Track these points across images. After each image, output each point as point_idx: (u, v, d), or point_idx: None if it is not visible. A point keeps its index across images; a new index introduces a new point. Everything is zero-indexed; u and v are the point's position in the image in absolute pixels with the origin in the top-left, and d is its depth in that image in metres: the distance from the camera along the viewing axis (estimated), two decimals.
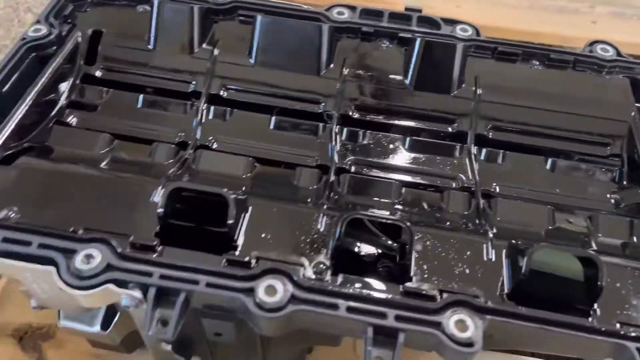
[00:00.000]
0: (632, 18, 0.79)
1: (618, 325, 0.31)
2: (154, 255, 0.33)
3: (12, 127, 0.40)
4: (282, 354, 0.42)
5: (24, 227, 0.33)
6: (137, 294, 0.31)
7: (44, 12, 0.46)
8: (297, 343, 0.41)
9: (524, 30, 0.78)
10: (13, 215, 0.34)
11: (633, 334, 0.30)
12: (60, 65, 0.44)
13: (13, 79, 0.41)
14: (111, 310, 0.41)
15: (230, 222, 0.33)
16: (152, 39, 0.46)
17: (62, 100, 0.43)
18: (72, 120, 0.42)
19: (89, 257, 0.32)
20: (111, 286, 0.31)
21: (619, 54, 0.46)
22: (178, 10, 0.45)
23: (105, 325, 0.41)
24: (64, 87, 0.44)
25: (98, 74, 0.45)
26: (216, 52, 0.45)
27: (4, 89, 0.40)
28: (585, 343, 0.31)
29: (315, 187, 0.39)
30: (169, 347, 0.40)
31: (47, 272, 0.32)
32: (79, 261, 0.31)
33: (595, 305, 0.32)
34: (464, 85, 0.44)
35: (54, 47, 0.44)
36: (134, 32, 0.46)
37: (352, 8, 0.48)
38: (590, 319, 0.31)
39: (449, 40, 0.44)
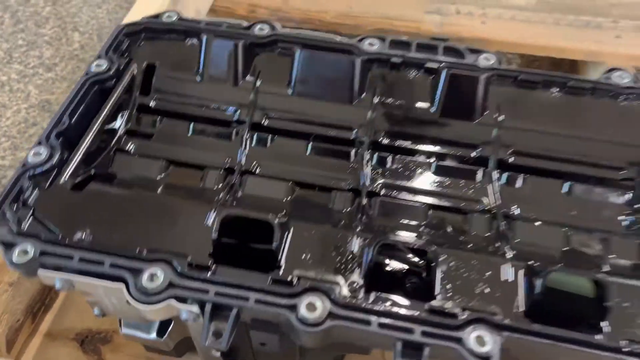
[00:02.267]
0: None
1: (624, 343, 0.34)
2: (209, 274, 0.37)
3: (81, 156, 0.45)
4: None
5: (97, 248, 0.38)
6: (195, 308, 0.36)
7: (103, 48, 0.51)
8: (331, 352, 0.45)
9: (549, 45, 0.81)
10: (86, 237, 0.39)
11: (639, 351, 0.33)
12: (119, 97, 0.49)
13: (80, 111, 0.46)
14: (166, 319, 0.45)
15: (275, 244, 0.37)
16: (200, 71, 0.50)
17: (121, 129, 0.48)
18: (130, 147, 0.47)
19: (153, 276, 0.36)
20: (173, 302, 0.36)
21: (635, 80, 0.48)
22: (223, 46, 0.49)
23: (160, 332, 0.46)
24: (123, 116, 0.49)
25: (152, 104, 0.50)
26: (258, 83, 0.50)
27: (73, 121, 0.46)
28: (593, 359, 0.34)
29: (348, 209, 0.43)
30: (218, 354, 0.45)
31: (117, 288, 0.37)
32: (145, 279, 0.36)
33: (606, 323, 0.35)
34: (486, 112, 0.47)
35: (114, 80, 0.49)
36: (183, 65, 0.51)
37: (382, 39, 0.51)
38: (599, 336, 0.34)
39: (472, 71, 0.47)
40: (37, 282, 0.54)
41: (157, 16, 0.54)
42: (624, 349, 0.33)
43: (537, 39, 0.81)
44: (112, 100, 0.48)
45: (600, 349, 0.33)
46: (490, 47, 0.81)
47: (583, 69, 0.83)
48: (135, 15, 0.70)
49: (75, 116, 0.46)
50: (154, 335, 0.45)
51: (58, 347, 0.53)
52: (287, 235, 0.40)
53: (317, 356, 0.45)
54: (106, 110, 0.48)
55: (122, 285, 0.36)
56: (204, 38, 0.50)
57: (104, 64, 0.49)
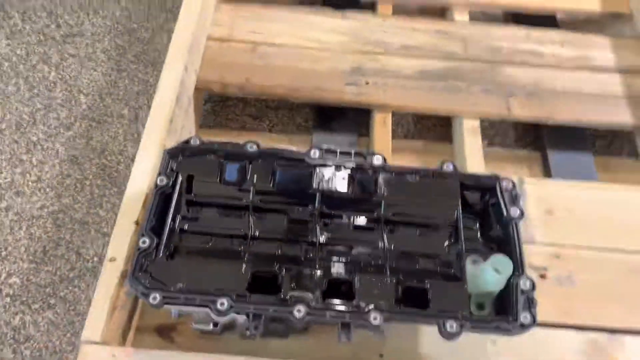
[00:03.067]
0: (494, 93, 1.23)
1: (441, 314, 0.77)
2: (247, 298, 0.77)
3: (165, 239, 0.83)
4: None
5: (191, 291, 0.77)
6: (244, 316, 0.76)
7: (162, 168, 0.87)
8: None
9: (426, 107, 1.22)
10: (183, 285, 0.78)
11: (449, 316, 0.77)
12: (177, 199, 0.86)
13: (158, 211, 0.84)
14: None
15: (279, 282, 0.78)
16: (219, 178, 0.88)
17: (180, 217, 0.86)
18: (186, 227, 0.86)
19: (222, 304, 0.76)
20: (232, 315, 0.76)
21: (455, 168, 0.90)
22: (232, 166, 0.88)
23: (215, 325, 0.85)
24: (180, 208, 0.87)
25: (194, 199, 0.88)
26: (255, 181, 0.88)
27: (155, 218, 0.83)
28: (426, 322, 0.77)
29: (311, 255, 0.84)
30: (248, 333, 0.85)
31: (206, 311, 0.76)
32: (218, 305, 0.76)
33: (431, 305, 0.78)
34: (378, 191, 0.89)
35: (171, 188, 0.86)
36: (209, 174, 0.88)
37: (320, 149, 0.91)
38: (427, 311, 0.78)
39: (368, 171, 0.88)
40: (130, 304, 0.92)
41: (187, 141, 0.90)
42: (442, 315, 0.77)
43: (419, 102, 1.22)
44: (174, 202, 0.86)
45: (428, 317, 0.77)
46: (389, 109, 1.22)
47: (452, 120, 1.25)
48: (153, 118, 1.05)
49: (157, 215, 0.83)
50: (211, 327, 0.85)
51: (145, 336, 0.92)
52: (283, 278, 0.80)
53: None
54: (172, 209, 0.85)
55: (208, 309, 0.76)
56: (220, 158, 0.88)
57: (164, 180, 0.86)
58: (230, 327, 0.88)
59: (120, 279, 0.88)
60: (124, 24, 1.49)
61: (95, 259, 1.13)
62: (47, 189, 1.23)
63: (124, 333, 0.90)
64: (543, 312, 0.95)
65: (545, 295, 0.98)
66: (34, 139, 1.30)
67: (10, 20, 1.48)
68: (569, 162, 1.22)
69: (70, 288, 1.11)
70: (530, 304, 0.78)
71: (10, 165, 1.25)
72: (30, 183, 1.23)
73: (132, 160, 0.96)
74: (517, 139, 1.36)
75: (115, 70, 1.42)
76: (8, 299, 1.08)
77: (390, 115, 1.22)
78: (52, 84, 1.39)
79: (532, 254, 1.03)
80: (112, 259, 0.90)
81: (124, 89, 1.38)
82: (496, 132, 1.37)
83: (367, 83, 1.23)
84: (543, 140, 1.27)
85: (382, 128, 1.19)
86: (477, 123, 1.20)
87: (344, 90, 1.22)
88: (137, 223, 0.92)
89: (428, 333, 0.93)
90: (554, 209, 1.07)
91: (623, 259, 1.02)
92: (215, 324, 0.85)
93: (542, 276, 1.01)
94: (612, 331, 0.95)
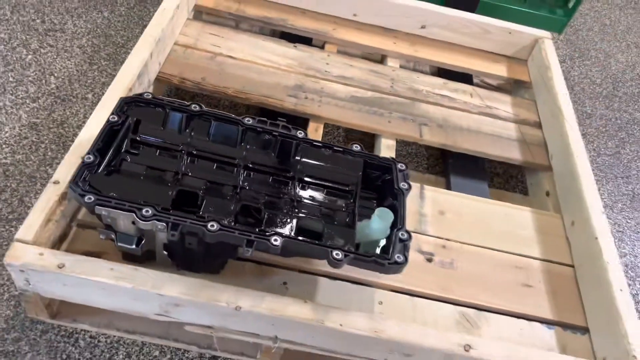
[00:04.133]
0: (411, 121, 1.46)
1: (330, 245, 0.92)
2: (170, 212, 0.90)
3: (107, 160, 0.96)
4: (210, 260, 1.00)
5: (122, 199, 0.89)
6: (164, 224, 0.89)
7: (115, 109, 1.02)
8: (219, 258, 1.00)
9: (353, 123, 1.43)
10: (116, 194, 0.91)
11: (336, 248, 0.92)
12: (123, 134, 1.01)
13: (105, 139, 0.98)
14: (140, 239, 0.97)
15: (199, 202, 0.92)
16: (163, 125, 1.04)
17: (123, 149, 1.01)
18: (128, 158, 1.00)
19: (146, 211, 0.89)
20: (155, 222, 0.89)
21: (362, 149, 1.09)
22: (176, 116, 1.04)
23: (137, 245, 0.97)
24: (124, 143, 1.01)
25: (138, 138, 1.02)
26: (192, 133, 1.05)
27: (103, 143, 0.97)
28: (317, 251, 0.92)
29: (230, 194, 0.99)
30: (166, 254, 0.97)
31: (130, 215, 0.89)
32: (143, 212, 0.89)
33: (324, 239, 0.93)
34: (296, 156, 1.06)
35: (120, 125, 1.01)
36: (154, 121, 1.04)
37: (253, 118, 1.09)
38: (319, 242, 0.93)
39: (292, 138, 1.06)
40: (67, 225, 1.03)
41: (141, 94, 1.07)
42: (329, 246, 0.92)
43: (347, 119, 1.43)
44: (120, 135, 1.00)
45: (319, 245, 0.91)
46: (322, 121, 1.42)
47: (375, 138, 1.46)
48: (116, 83, 1.21)
49: (102, 143, 0.98)
50: (134, 246, 0.97)
51: None
52: (204, 202, 0.94)
53: (212, 260, 1.00)
54: (117, 140, 1.00)
55: (133, 214, 0.89)
56: (166, 109, 1.04)
57: (115, 118, 1.01)
58: (150, 255, 1.00)
59: (59, 198, 1.00)
60: (102, 29, 1.69)
61: None
62: (4, 146, 1.34)
63: (53, 245, 1.00)
64: (426, 287, 1.12)
65: (430, 275, 1.15)
66: (0, 104, 1.43)
67: (0, 10, 1.65)
68: (468, 186, 1.43)
69: (7, 227, 1.20)
70: (405, 249, 0.94)
71: None
72: None
73: None
74: (427, 168, 1.57)
75: (88, 63, 1.59)
76: None
77: (322, 125, 1.41)
78: (27, 64, 1.54)
79: (424, 243, 1.20)
80: (56, 182, 1.02)
81: (93, 78, 1.55)
82: (410, 160, 1.58)
83: (306, 97, 1.44)
84: (448, 169, 1.48)
85: (313, 133, 1.38)
86: (393, 142, 1.41)
87: (286, 99, 1.42)
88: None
89: (324, 291, 1.07)
90: (446, 211, 1.26)
91: (495, 256, 1.20)
92: (138, 243, 0.97)
93: (429, 260, 1.17)
94: (480, 309, 1.11)
